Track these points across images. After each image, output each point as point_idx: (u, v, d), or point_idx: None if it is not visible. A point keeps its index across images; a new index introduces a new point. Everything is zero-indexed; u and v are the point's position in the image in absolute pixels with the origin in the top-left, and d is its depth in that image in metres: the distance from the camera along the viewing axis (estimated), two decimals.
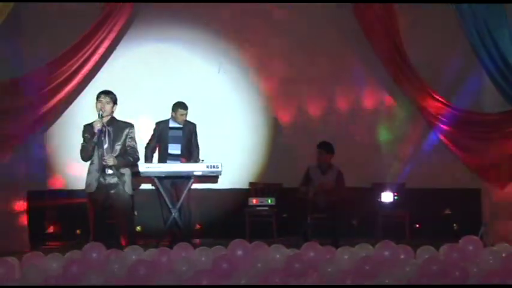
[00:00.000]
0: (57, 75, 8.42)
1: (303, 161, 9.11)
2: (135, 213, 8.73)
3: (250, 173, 9.67)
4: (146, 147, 8.42)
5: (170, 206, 7.86)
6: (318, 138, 8.99)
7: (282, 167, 9.52)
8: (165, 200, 7.93)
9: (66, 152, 9.28)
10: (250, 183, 9.60)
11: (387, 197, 9.16)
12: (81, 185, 8.51)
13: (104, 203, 6.90)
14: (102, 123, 6.80)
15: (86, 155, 6.85)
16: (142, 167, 7.59)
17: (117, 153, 6.87)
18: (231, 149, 9.48)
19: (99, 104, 6.88)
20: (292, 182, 9.09)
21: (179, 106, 8.37)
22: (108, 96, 6.92)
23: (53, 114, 8.81)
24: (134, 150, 7.01)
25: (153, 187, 8.28)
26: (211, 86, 9.57)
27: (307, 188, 8.75)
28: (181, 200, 7.89)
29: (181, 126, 8.41)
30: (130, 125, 7.03)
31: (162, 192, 7.89)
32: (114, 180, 6.87)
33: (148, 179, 8.13)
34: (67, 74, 8.48)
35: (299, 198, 8.79)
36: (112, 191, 6.88)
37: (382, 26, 8.81)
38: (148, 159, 8.36)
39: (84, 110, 8.99)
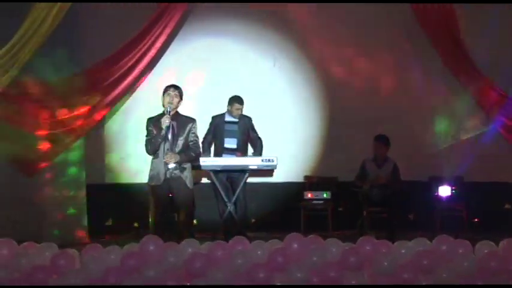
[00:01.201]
0: (113, 71, 8.50)
1: (358, 154, 9.05)
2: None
3: (306, 167, 9.66)
4: (202, 142, 8.39)
5: (226, 200, 7.88)
6: (374, 132, 8.93)
7: (337, 160, 9.49)
8: (220, 194, 7.95)
9: (124, 147, 9.47)
10: (306, 177, 9.58)
11: (445, 190, 9.02)
12: (138, 178, 9.00)
13: (166, 197, 6.99)
14: (170, 119, 6.86)
15: (152, 149, 6.91)
16: (199, 161, 7.62)
17: (179, 148, 6.93)
18: (286, 143, 9.47)
19: (168, 97, 6.93)
20: (348, 175, 9.04)
21: (235, 100, 8.38)
22: (176, 90, 6.99)
23: (110, 109, 8.87)
24: (196, 145, 7.08)
25: (209, 181, 8.31)
26: (266, 80, 9.59)
27: (362, 181, 8.71)
28: (236, 194, 7.93)
29: (237, 120, 8.42)
30: (193, 120, 7.09)
31: (218, 186, 7.91)
32: (176, 174, 6.92)
33: (204, 172, 8.26)
34: (123, 69, 8.53)
35: (355, 192, 8.77)
36: (174, 185, 6.94)
37: (440, 17, 8.68)
38: (204, 153, 8.33)
39: (140, 105, 9.29)
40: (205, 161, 7.74)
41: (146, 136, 6.97)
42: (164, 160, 6.86)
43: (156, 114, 7.03)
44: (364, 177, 8.76)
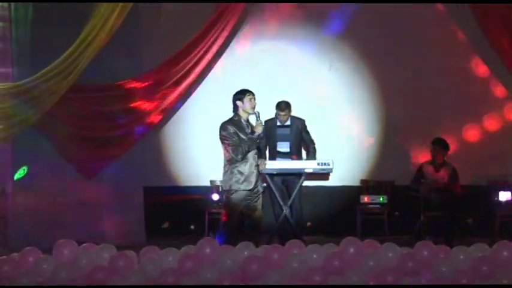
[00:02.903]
0: (171, 74, 8.64)
1: (416, 158, 9.05)
2: None
3: (362, 170, 9.59)
4: None
5: (281, 203, 7.87)
6: (432, 135, 8.84)
7: (394, 164, 9.42)
8: (276, 197, 7.95)
9: (180, 150, 9.50)
10: (362, 181, 9.52)
11: (505, 196, 8.87)
12: (194, 181, 9.18)
13: (254, 200, 7.10)
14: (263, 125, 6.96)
15: (243, 154, 6.91)
16: None
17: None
18: (342, 146, 9.43)
19: (252, 101, 7.00)
20: (405, 179, 8.99)
21: (277, 107, 8.35)
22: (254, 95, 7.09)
23: (167, 112, 9.01)
24: None
25: (265, 184, 8.22)
26: (322, 83, 9.55)
27: (418, 184, 8.65)
28: (292, 197, 7.89)
29: (289, 123, 8.38)
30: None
31: (274, 190, 7.90)
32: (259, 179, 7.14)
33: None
34: (181, 73, 8.69)
35: (411, 196, 8.69)
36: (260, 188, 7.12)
37: (499, 16, 8.63)
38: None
39: (196, 108, 9.37)
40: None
41: (228, 141, 6.92)
42: (258, 164, 6.99)
43: (232, 118, 7.03)
44: (420, 181, 8.69)
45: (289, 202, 7.91)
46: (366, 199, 9.15)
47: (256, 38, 9.51)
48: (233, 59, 9.48)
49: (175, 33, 9.10)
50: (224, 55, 9.35)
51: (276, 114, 8.40)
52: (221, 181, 7.24)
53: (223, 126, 6.98)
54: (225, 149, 7.00)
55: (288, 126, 8.39)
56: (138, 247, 5.78)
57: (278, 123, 8.41)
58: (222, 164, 7.13)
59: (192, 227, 9.42)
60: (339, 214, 9.28)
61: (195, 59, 8.72)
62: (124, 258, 5.40)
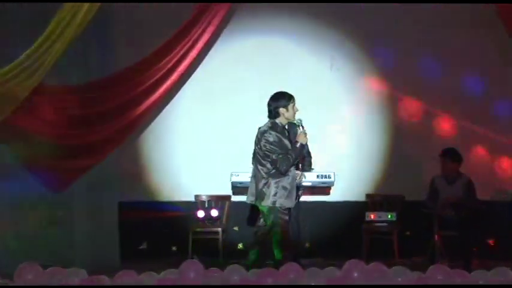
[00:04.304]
0: (150, 74, 8.61)
1: (429, 169, 9.02)
2: (235, 228, 9.16)
3: (367, 184, 9.58)
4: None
5: None
6: (447, 144, 8.87)
7: (404, 176, 9.41)
8: None
9: (161, 159, 9.49)
10: (368, 195, 9.49)
11: None
12: (176, 195, 9.20)
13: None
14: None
15: (289, 167, 6.89)
16: (244, 176, 7.68)
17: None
18: (345, 157, 9.45)
19: (295, 108, 6.99)
20: (417, 194, 9.00)
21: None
22: None
23: (145, 117, 9.01)
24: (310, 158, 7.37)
25: None
26: (321, 85, 9.52)
27: (434, 201, 8.66)
28: None
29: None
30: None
31: None
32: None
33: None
34: (161, 72, 8.65)
35: (424, 213, 8.70)
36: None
37: None
38: None
39: (179, 112, 9.39)
40: None
41: (274, 152, 6.83)
42: (297, 180, 7.05)
43: (273, 125, 6.96)
44: (436, 197, 8.70)
45: None
46: (372, 216, 9.11)
47: (247, 32, 9.52)
48: (221, 57, 9.47)
49: (155, 28, 9.10)
50: (211, 52, 9.34)
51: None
52: (253, 195, 7.05)
53: (270, 135, 6.91)
54: (266, 160, 6.93)
55: None
56: (112, 271, 5.75)
57: None
58: (254, 180, 7.06)
59: (174, 248, 9.41)
60: (341, 233, 9.27)
61: (178, 57, 8.70)
62: (95, 284, 5.36)
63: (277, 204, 6.88)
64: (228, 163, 8.86)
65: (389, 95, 9.68)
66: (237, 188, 8.49)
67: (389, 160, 9.64)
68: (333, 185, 7.87)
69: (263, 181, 6.93)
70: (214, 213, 8.96)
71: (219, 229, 8.84)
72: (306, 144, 7.70)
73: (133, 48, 9.02)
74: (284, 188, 6.89)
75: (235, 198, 8.95)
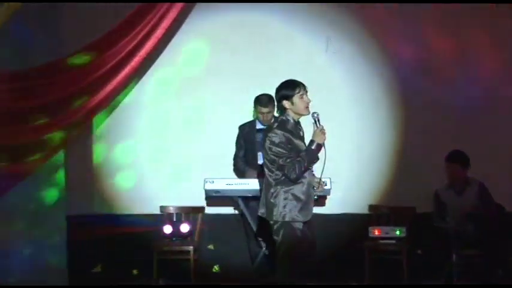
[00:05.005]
0: (105, 57, 8.53)
1: (444, 175, 8.88)
2: (210, 247, 9.26)
3: (371, 193, 9.58)
4: (235, 158, 8.63)
5: (260, 238, 7.99)
6: (461, 146, 8.82)
7: (415, 184, 9.41)
8: (252, 229, 8.04)
9: (118, 163, 9.45)
10: (371, 207, 9.44)
11: None
12: (138, 207, 9.29)
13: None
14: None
15: (299, 173, 6.66)
16: (221, 183, 7.81)
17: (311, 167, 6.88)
18: (344, 160, 9.31)
19: (306, 97, 6.84)
20: (430, 204, 8.95)
21: (257, 102, 8.44)
22: None
23: (97, 112, 8.96)
24: None
25: (236, 211, 8.46)
26: (315, 71, 9.38)
27: (443, 218, 8.71)
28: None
29: None
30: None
31: (249, 219, 8.00)
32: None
33: (229, 200, 8.37)
34: (119, 56, 8.57)
35: (440, 228, 8.72)
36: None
37: None
38: (243, 172, 8.50)
39: (140, 107, 9.41)
40: (231, 184, 7.89)
41: (283, 155, 6.65)
42: (315, 188, 6.84)
43: (282, 122, 6.78)
44: (444, 213, 8.74)
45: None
46: (376, 232, 8.99)
47: (222, 8, 9.45)
48: (191, 38, 9.44)
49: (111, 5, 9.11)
50: (179, 32, 9.32)
51: (256, 112, 8.49)
52: (264, 206, 6.92)
53: (275, 135, 6.70)
54: (272, 165, 6.76)
55: None
56: None
57: (259, 126, 8.47)
58: (264, 188, 6.90)
59: (135, 271, 9.31)
60: (339, 252, 9.22)
61: (139, 38, 8.60)
62: None
63: (287, 218, 6.68)
64: (201, 167, 8.91)
65: (396, 84, 9.68)
66: (212, 198, 8.42)
67: (397, 163, 9.65)
68: (329, 194, 7.84)
69: (271, 190, 6.73)
70: (184, 228, 8.82)
71: (190, 248, 8.72)
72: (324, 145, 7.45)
73: (82, 29, 9.01)
74: (296, 198, 6.68)
75: (210, 210, 8.94)
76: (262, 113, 8.36)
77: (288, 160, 6.59)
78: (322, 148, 6.68)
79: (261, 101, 8.36)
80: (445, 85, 9.57)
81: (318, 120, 6.74)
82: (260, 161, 8.24)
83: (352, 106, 9.61)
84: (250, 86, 9.01)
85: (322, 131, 6.71)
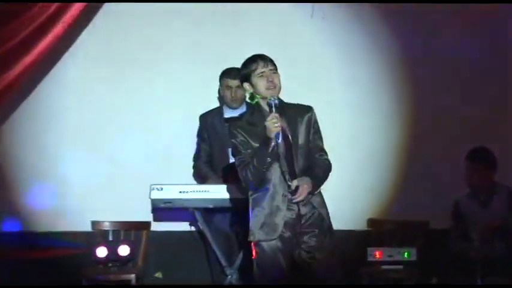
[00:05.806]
0: (10, 30, 8.40)
1: (462, 182, 8.69)
2: (158, 275, 9.17)
3: (371, 203, 9.46)
4: (195, 159, 8.48)
5: (224, 263, 7.89)
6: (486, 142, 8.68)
7: (426, 192, 9.36)
8: (214, 252, 7.92)
9: (37, 166, 9.16)
10: (371, 222, 9.25)
11: None
12: (62, 223, 9.08)
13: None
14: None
15: (259, 177, 6.39)
16: (172, 191, 7.69)
17: (300, 166, 6.49)
18: (335, 160, 8.61)
19: (264, 78, 6.44)
20: (447, 218, 8.69)
21: (224, 74, 8.31)
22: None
23: (7, 98, 8.72)
24: (324, 153, 6.88)
25: (193, 227, 8.47)
26: (298, 42, 9.39)
27: (465, 239, 8.46)
28: (242, 253, 7.85)
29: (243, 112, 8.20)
30: (310, 109, 6.72)
31: (209, 238, 7.94)
32: (313, 212, 6.56)
33: (183, 213, 8.26)
34: (36, 23, 8.43)
35: (461, 247, 8.43)
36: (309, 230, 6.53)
37: None
38: (205, 178, 8.35)
39: (64, 92, 9.16)
40: (185, 191, 7.74)
41: (238, 157, 6.48)
42: (289, 193, 6.37)
43: (245, 112, 7.13)
44: (466, 229, 8.48)
45: (238, 261, 7.89)
46: (378, 254, 8.66)
47: None
48: (120, 14, 9.21)
49: None
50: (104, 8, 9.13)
51: (222, 93, 8.45)
52: None
53: (233, 128, 6.58)
54: None
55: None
56: None
57: (228, 114, 8.39)
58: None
59: None
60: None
61: (51, 11, 8.44)
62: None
63: (251, 238, 6.44)
64: (145, 171, 8.82)
65: (402, 61, 9.55)
66: (161, 210, 8.25)
67: (404, 165, 9.58)
68: None
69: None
70: (123, 250, 8.52)
71: (132, 276, 8.43)
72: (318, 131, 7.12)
73: None
74: (259, 208, 6.44)
75: (158, 227, 8.81)
76: (230, 88, 8.20)
77: (239, 161, 6.45)
78: (273, 143, 6.25)
79: (229, 72, 8.18)
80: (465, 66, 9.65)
81: (275, 107, 6.30)
82: (232, 159, 7.92)
83: (346, 90, 9.50)
84: (211, 64, 8.86)
85: (273, 121, 6.21)
